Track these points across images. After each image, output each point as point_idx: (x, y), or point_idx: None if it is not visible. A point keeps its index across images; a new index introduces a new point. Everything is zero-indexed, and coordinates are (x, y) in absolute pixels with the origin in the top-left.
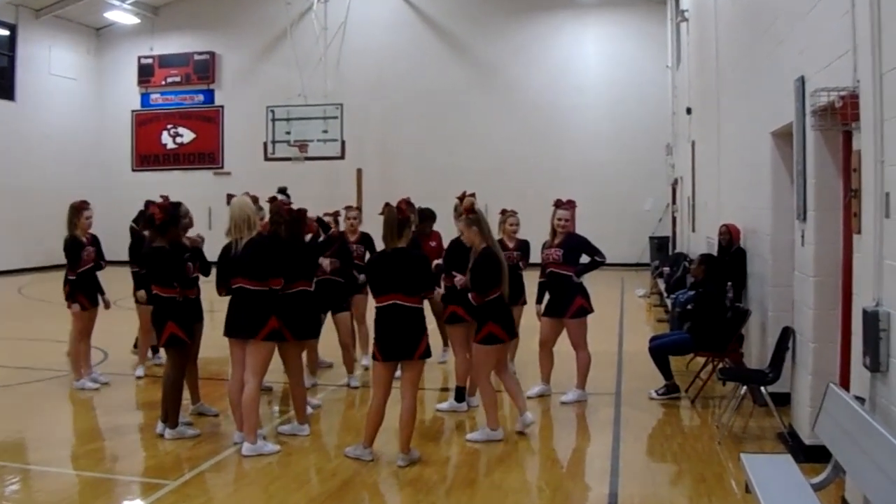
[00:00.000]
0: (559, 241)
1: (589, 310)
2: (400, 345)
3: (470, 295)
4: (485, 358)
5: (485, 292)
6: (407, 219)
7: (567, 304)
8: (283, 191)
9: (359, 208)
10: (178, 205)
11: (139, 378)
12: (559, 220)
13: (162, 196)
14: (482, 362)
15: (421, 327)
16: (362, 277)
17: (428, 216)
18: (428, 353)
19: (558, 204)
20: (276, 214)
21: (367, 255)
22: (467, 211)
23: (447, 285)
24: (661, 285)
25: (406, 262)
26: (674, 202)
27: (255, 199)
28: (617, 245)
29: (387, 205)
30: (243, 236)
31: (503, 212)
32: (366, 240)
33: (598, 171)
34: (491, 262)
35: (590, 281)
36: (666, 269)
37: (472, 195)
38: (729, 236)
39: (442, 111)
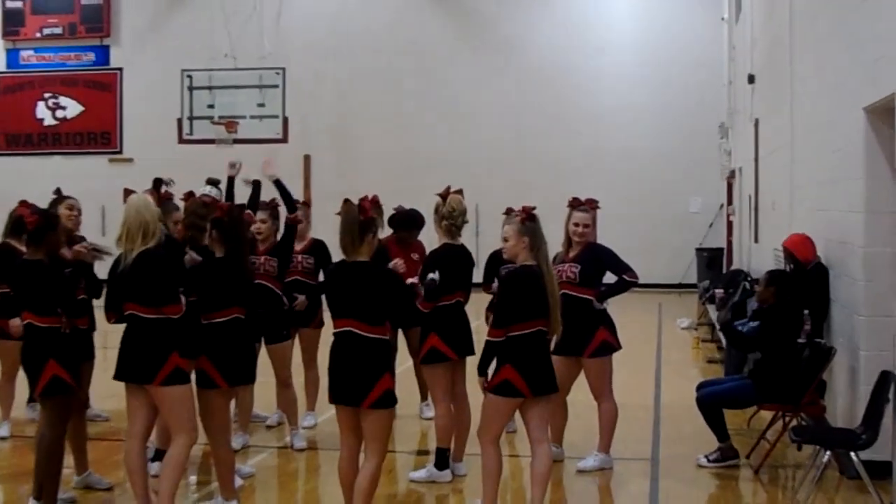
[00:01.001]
0: (575, 255)
1: (615, 346)
2: (348, 386)
3: (489, 326)
4: (496, 413)
5: (506, 325)
6: (370, 221)
7: (586, 338)
8: (213, 183)
9: (306, 204)
10: (57, 200)
11: (2, 440)
12: (576, 225)
13: (55, 193)
14: (492, 418)
15: (378, 367)
16: (302, 298)
17: (411, 221)
18: (387, 402)
19: (574, 204)
20: (194, 215)
21: (319, 270)
22: (526, 216)
23: (423, 308)
24: (713, 314)
25: (366, 279)
26: (729, 202)
27: (165, 197)
28: (653, 259)
29: (346, 202)
30: (135, 248)
31: (508, 211)
32: (317, 249)
33: (628, 160)
34: (526, 285)
35: (616, 307)
36: (719, 292)
37: (458, 192)
38: (791, 258)
39: (418, 80)
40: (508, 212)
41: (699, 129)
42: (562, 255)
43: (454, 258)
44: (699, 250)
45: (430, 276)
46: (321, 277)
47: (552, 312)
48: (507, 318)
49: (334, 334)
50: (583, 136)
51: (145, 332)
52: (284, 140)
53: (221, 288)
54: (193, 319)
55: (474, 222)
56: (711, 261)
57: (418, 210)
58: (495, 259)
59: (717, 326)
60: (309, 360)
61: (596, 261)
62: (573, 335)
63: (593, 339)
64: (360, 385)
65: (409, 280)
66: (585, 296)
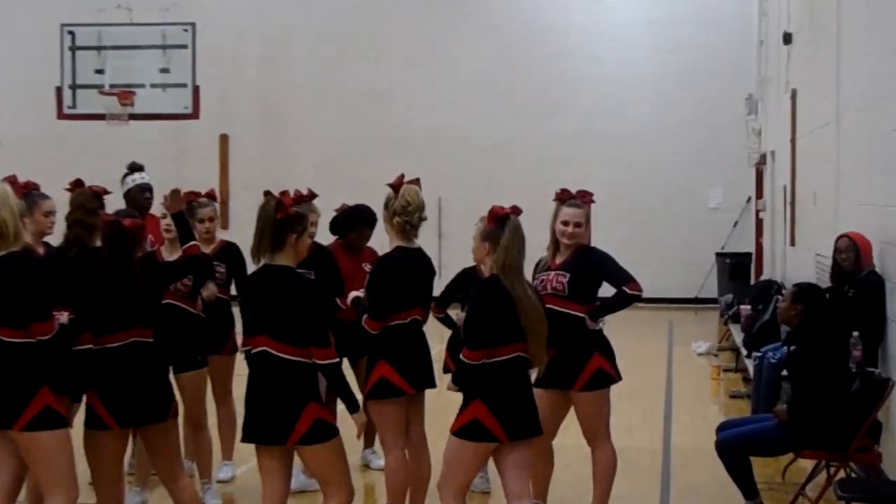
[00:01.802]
0: (564, 261)
1: (613, 377)
2: (265, 419)
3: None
4: (462, 461)
5: (478, 348)
6: (291, 219)
7: (576, 366)
8: (136, 168)
9: (212, 197)
10: None
11: None
12: (564, 224)
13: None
14: (457, 468)
15: (301, 396)
16: (212, 288)
17: (359, 218)
18: (320, 435)
19: (563, 197)
20: (81, 210)
21: (232, 280)
22: (494, 219)
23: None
24: (738, 336)
25: (280, 287)
26: (759, 195)
27: (28, 187)
28: (662, 267)
29: (266, 196)
30: None
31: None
32: (228, 254)
33: (630, 143)
34: (496, 299)
35: (615, 328)
36: (745, 308)
37: (414, 182)
38: (855, 254)
39: (366, 42)
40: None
41: (721, 102)
42: (546, 260)
43: (409, 265)
44: (720, 256)
45: (354, 294)
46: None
47: (531, 333)
48: (479, 338)
49: (248, 357)
50: (573, 114)
51: (5, 362)
52: (195, 115)
53: (115, 304)
54: (70, 344)
55: (435, 221)
56: (736, 269)
57: (367, 205)
58: (467, 278)
59: (743, 352)
60: (222, 395)
61: (589, 268)
62: (561, 362)
63: (586, 368)
64: (280, 418)
65: (353, 293)
66: (576, 312)
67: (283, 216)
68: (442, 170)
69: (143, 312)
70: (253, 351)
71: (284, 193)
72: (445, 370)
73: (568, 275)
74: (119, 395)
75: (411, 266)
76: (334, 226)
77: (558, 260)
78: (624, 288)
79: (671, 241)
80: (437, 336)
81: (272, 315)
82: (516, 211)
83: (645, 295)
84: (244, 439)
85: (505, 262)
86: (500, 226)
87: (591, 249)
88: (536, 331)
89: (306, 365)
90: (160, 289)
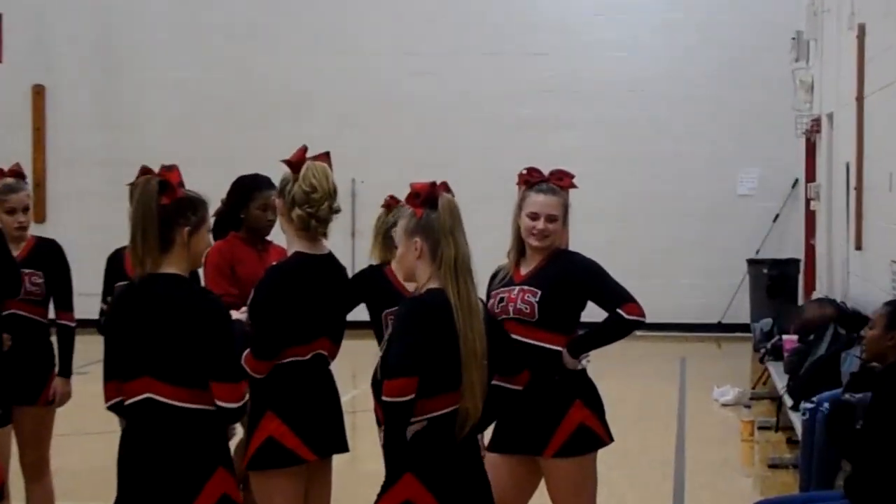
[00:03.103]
0: (533, 271)
1: (600, 438)
2: (146, 489)
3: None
4: None
5: (408, 375)
6: (182, 205)
7: (548, 423)
8: None
9: (15, 174)
10: None
11: None
12: (533, 217)
13: None
14: None
15: (204, 461)
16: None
17: (254, 184)
18: None
19: (530, 179)
20: None
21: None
22: (420, 200)
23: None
24: (780, 379)
25: (172, 306)
26: (810, 177)
27: None
28: (672, 280)
29: (143, 173)
30: None
31: (388, 205)
32: (45, 256)
33: (628, 101)
34: (429, 328)
35: (605, 365)
36: (790, 339)
37: (321, 158)
38: None
39: None
40: (391, 203)
41: (756, 46)
42: (508, 270)
43: (313, 278)
44: (755, 264)
45: (236, 314)
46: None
47: (466, 371)
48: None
49: (125, 408)
50: (550, 61)
51: None
52: None
53: None
54: None
55: (347, 213)
56: (777, 282)
57: (270, 179)
58: (367, 281)
59: (787, 402)
60: (36, 465)
61: (569, 282)
62: (528, 417)
63: (562, 424)
64: (174, 493)
65: (236, 314)
66: (549, 345)
67: (171, 202)
68: (356, 141)
69: None
70: (129, 401)
71: (169, 169)
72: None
73: (539, 291)
74: None
75: (316, 279)
76: (221, 220)
77: (525, 270)
78: (619, 311)
79: (685, 242)
80: (348, 376)
81: (159, 346)
82: (447, 189)
83: (648, 319)
84: None
85: (456, 259)
86: (430, 208)
87: (571, 255)
88: (472, 370)
89: (210, 414)
90: None
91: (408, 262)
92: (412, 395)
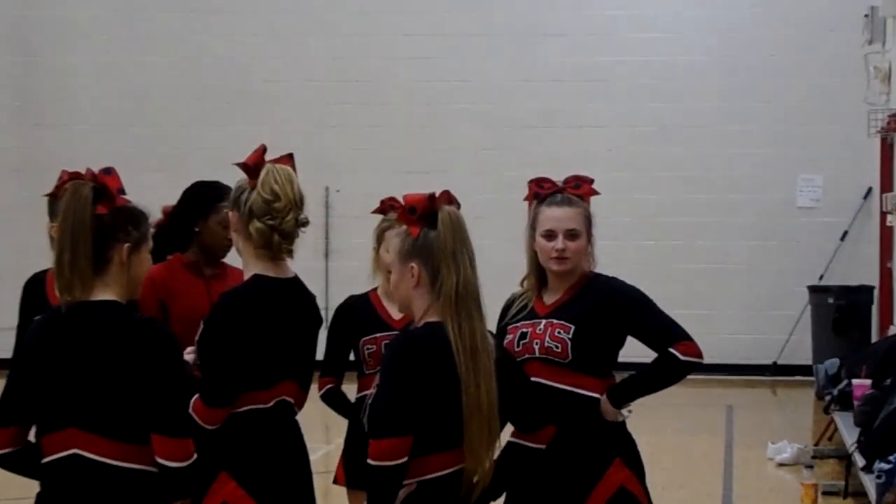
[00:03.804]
0: (561, 301)
1: (640, 501)
2: None
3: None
4: None
5: (400, 435)
6: (121, 218)
7: (586, 481)
8: None
9: None
10: None
11: None
12: (548, 235)
13: None
14: None
15: None
16: None
17: (210, 192)
18: None
19: (541, 191)
20: None
21: None
22: (416, 216)
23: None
24: (849, 433)
25: (107, 342)
26: (887, 185)
27: None
28: (716, 313)
29: (70, 178)
30: None
31: (385, 208)
32: None
33: (662, 92)
34: (424, 371)
35: (646, 416)
36: (862, 385)
37: (286, 160)
38: None
39: None
40: (385, 207)
41: (821, 25)
42: (527, 300)
43: (275, 307)
44: (818, 292)
45: (186, 354)
46: None
47: (469, 424)
48: (403, 426)
49: (42, 468)
50: (566, 44)
51: None
52: None
53: None
54: None
55: (320, 228)
56: (846, 314)
57: (221, 185)
58: (349, 312)
59: (859, 461)
60: None
61: (608, 314)
62: (557, 478)
63: (598, 487)
64: None
65: (187, 352)
66: (585, 391)
67: (109, 213)
68: (331, 141)
69: None
70: (49, 458)
71: (107, 173)
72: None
73: (571, 326)
74: None
75: (279, 308)
76: (161, 233)
77: (549, 300)
78: (671, 350)
79: (731, 265)
80: (319, 428)
81: (90, 390)
82: (449, 200)
83: (701, 360)
84: None
85: (458, 287)
86: (429, 225)
87: (607, 281)
88: (475, 423)
89: (150, 477)
90: None
91: (403, 292)
92: (404, 458)
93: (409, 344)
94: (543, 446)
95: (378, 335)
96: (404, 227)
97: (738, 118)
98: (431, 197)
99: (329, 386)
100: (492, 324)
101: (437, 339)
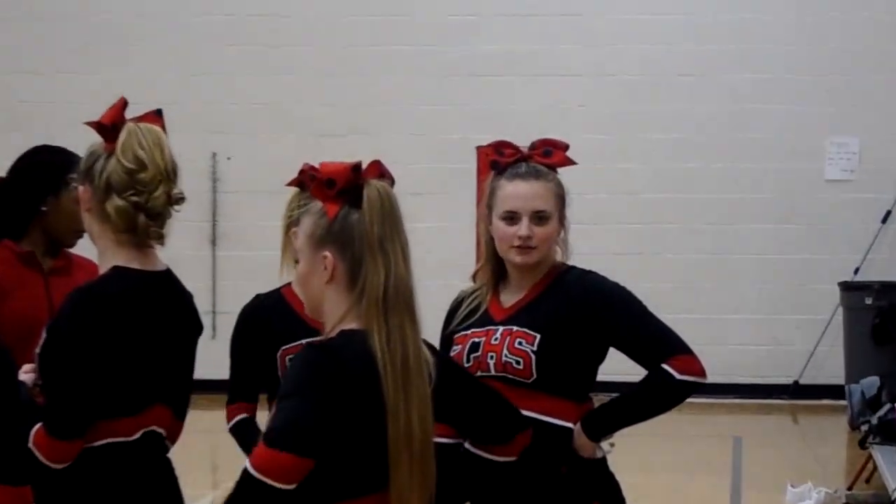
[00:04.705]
0: (524, 301)
1: None
2: None
3: None
4: None
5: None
6: None
7: None
8: None
9: None
10: None
11: None
12: (509, 217)
13: None
14: None
15: None
16: None
17: (58, 163)
18: None
19: (501, 161)
20: None
21: None
22: (333, 192)
23: None
24: (892, 471)
25: None
26: None
27: None
28: (723, 318)
29: None
30: None
31: (305, 179)
32: None
33: (656, 41)
34: (349, 390)
35: (630, 449)
36: None
37: (152, 118)
38: None
39: None
40: (305, 177)
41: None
42: (480, 299)
43: (141, 306)
44: (852, 290)
45: (22, 373)
46: None
47: (395, 464)
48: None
49: None
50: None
51: None
52: None
53: None
54: None
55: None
56: (888, 320)
57: (66, 150)
58: (252, 317)
59: None
60: None
61: (583, 319)
62: None
63: None
64: None
65: (24, 370)
66: (553, 418)
67: None
68: (218, 93)
69: None
70: None
71: None
72: None
73: (536, 335)
74: None
75: (145, 311)
76: None
77: (508, 300)
78: (665, 367)
79: (742, 256)
80: (203, 468)
81: None
82: (379, 173)
83: (706, 380)
84: None
85: (386, 289)
86: (351, 204)
87: (583, 276)
88: (406, 460)
89: None
90: None
91: (313, 288)
92: (289, 484)
93: (320, 356)
94: (514, 458)
95: (303, 341)
96: (319, 204)
97: (751, 65)
98: (356, 168)
99: (241, 416)
100: (431, 332)
101: (357, 353)
